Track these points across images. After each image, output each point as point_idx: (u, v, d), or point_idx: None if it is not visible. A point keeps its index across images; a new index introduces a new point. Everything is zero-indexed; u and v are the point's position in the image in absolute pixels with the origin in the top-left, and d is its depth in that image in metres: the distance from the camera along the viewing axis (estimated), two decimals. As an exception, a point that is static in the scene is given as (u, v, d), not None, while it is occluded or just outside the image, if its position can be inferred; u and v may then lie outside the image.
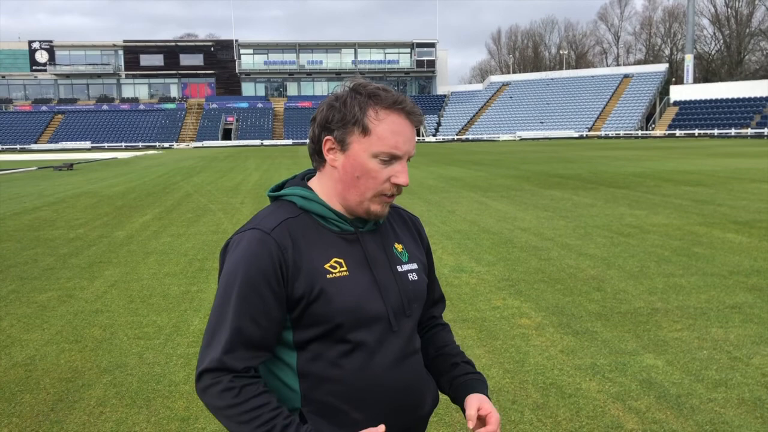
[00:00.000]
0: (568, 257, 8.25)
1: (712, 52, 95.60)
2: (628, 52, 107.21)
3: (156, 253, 9.09)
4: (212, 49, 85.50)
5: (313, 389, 1.46)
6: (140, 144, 73.35)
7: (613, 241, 9.27)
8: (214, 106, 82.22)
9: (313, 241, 1.48)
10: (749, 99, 67.66)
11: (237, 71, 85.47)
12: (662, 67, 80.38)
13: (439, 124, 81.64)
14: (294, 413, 1.47)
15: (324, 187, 1.54)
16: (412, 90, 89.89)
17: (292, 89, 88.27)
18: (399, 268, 1.55)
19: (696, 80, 79.44)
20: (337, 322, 1.44)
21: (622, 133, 69.09)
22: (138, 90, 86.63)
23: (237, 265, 1.46)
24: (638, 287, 6.74)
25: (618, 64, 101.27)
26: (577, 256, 8.32)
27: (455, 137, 75.96)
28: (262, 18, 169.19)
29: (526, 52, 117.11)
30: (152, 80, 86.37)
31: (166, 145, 72.89)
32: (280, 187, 1.62)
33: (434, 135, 78.63)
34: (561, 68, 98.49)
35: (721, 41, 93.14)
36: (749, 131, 60.62)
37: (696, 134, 64.28)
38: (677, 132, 66.35)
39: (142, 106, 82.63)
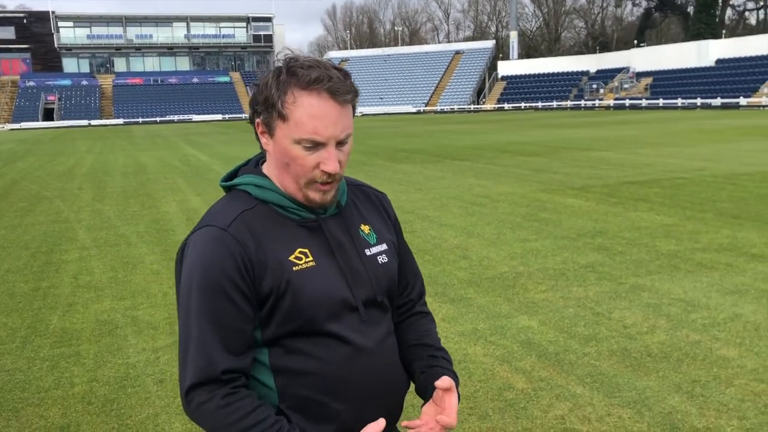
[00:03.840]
0: (431, 228, 8.51)
1: (534, 29, 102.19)
2: (458, 29, 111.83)
3: (-10, 248, 8.21)
4: (25, 21, 77.88)
5: (289, 384, 1.39)
6: (-56, 127, 65.57)
7: (468, 211, 9.69)
8: (32, 83, 75.12)
9: (275, 233, 1.39)
10: (568, 73, 73.26)
11: (56, 46, 78.64)
12: (490, 43, 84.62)
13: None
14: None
15: (273, 173, 1.45)
16: (250, 65, 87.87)
17: (120, 65, 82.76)
18: (367, 252, 1.48)
19: (520, 56, 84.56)
20: (308, 315, 1.37)
21: (456, 107, 72.13)
22: (-62, 67, 77.20)
23: (193, 269, 1.35)
24: (500, 253, 7.11)
25: (449, 41, 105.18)
26: (439, 226, 8.62)
27: (296, 114, 75.35)
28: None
29: (361, 28, 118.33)
30: (-45, 56, 77.34)
31: (-23, 127, 65.76)
32: (233, 175, 1.50)
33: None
34: (396, 44, 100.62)
35: (541, 19, 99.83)
36: (569, 103, 65.68)
37: (522, 107, 68.59)
38: (506, 105, 70.40)
39: (-56, 85, 73.82)
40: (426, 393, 1.53)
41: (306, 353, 1.38)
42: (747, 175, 12.34)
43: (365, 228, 1.52)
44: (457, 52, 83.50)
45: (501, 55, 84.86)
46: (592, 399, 3.67)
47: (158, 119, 69.87)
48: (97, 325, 5.25)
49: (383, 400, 1.46)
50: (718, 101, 52.23)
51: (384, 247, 1.53)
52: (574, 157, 16.99)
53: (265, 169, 1.47)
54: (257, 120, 1.40)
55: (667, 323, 4.80)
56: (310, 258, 1.40)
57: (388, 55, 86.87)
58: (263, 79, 1.37)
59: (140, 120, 69.38)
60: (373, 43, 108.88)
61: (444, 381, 1.47)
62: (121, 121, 69.28)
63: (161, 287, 6.29)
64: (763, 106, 49.04)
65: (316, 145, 1.34)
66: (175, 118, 70.45)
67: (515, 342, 4.57)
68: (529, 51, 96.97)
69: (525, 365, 4.17)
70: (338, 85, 1.33)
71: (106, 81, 78.41)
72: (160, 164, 19.25)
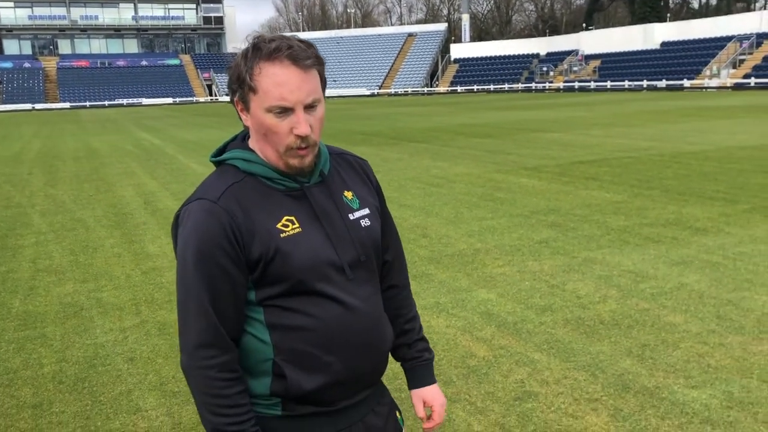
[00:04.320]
0: (391, 209, 8.49)
1: (485, 12, 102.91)
2: (410, 12, 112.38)
3: (-59, 235, 8.04)
4: (-39, 1, 74.82)
5: (284, 339, 1.50)
6: None
7: (426, 192, 9.87)
8: (-30, 66, 72.46)
9: (262, 204, 1.50)
10: (519, 56, 74.07)
11: (-5, 27, 75.89)
12: (442, 26, 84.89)
13: (231, 83, 79.41)
14: (267, 363, 1.52)
15: (256, 146, 1.55)
16: (201, 48, 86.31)
17: (65, 47, 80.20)
18: (351, 216, 1.59)
19: (472, 39, 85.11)
20: (298, 277, 1.48)
21: (410, 90, 72.30)
22: None
23: (188, 240, 1.46)
24: (458, 231, 7.31)
25: (402, 23, 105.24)
26: (399, 207, 8.77)
27: (249, 97, 74.46)
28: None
29: (313, 10, 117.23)
30: None
31: None
32: (222, 150, 1.60)
33: (227, 95, 76.47)
34: (349, 27, 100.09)
35: (492, 2, 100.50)
36: (520, 86, 66.50)
37: (475, 89, 69.13)
38: (459, 88, 70.85)
39: None
40: (410, 386, 1.79)
41: (299, 311, 1.50)
42: (691, 154, 12.83)
43: (348, 194, 1.63)
44: (410, 35, 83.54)
45: (453, 38, 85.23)
46: (550, 364, 3.89)
47: (107, 103, 68.20)
48: (61, 307, 5.25)
49: (369, 353, 1.59)
50: (663, 83, 53.60)
51: (366, 211, 1.64)
52: (526, 139, 17.33)
53: (251, 143, 1.58)
54: (235, 98, 1.51)
55: (618, 293, 5.07)
56: (297, 225, 1.51)
57: (341, 37, 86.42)
58: (235, 60, 1.49)
59: (87, 104, 67.57)
60: (326, 26, 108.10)
61: (420, 409, 1.76)
62: (67, 105, 67.37)
63: (124, 269, 6.29)
64: (706, 88, 50.58)
65: (285, 111, 1.44)
66: (124, 101, 68.90)
67: (475, 313, 4.76)
68: (480, 34, 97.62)
69: (485, 335, 4.37)
70: (298, 52, 1.43)
71: (50, 63, 75.99)
72: (113, 149, 18.91)
